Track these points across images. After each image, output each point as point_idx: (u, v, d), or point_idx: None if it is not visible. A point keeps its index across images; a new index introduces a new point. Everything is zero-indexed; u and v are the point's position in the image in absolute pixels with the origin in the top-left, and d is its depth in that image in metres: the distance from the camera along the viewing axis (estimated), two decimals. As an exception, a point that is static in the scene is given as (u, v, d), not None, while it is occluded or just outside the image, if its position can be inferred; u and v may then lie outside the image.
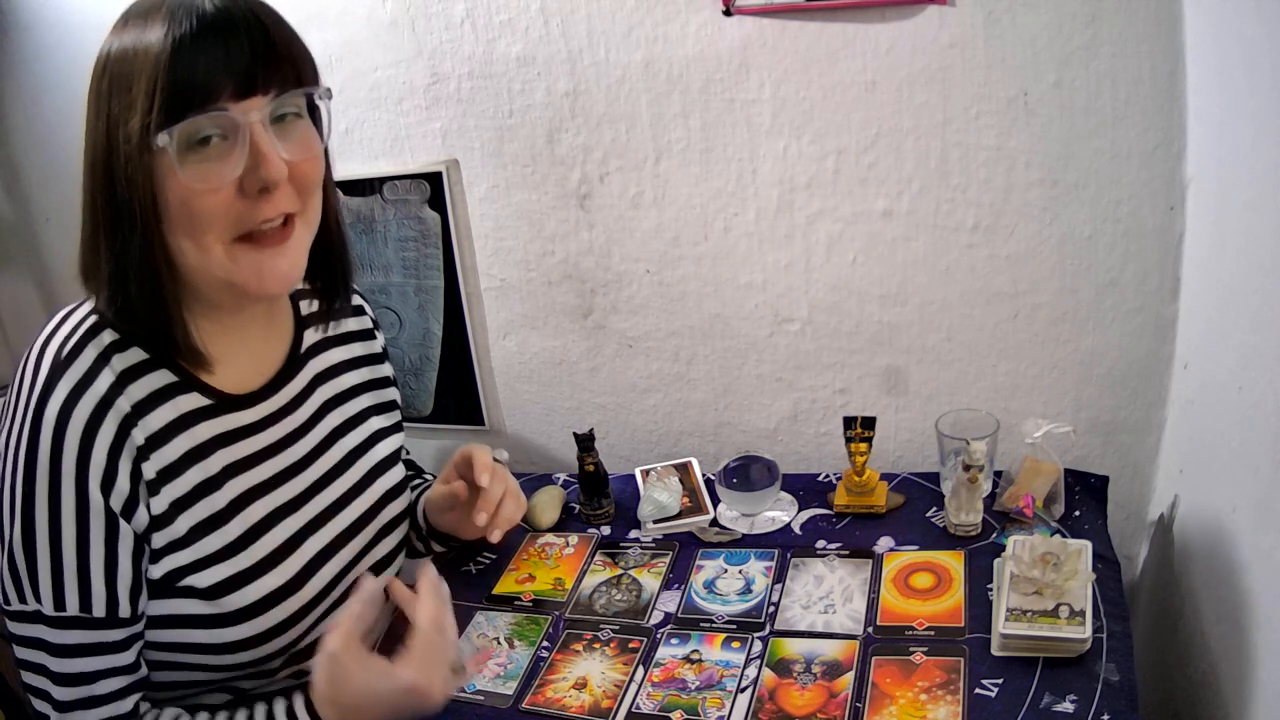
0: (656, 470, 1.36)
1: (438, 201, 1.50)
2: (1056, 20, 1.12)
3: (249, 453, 0.93)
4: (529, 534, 1.30)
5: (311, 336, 1.05)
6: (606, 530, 1.30)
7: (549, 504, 1.33)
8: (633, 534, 1.28)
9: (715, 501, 1.30)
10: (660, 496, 1.28)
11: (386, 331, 1.63)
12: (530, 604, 1.16)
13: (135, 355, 0.86)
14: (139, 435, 0.84)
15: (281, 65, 0.82)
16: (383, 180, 1.52)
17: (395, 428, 1.14)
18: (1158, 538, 1.25)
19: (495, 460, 1.13)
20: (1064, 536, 1.06)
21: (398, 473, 1.12)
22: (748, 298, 1.41)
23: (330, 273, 1.01)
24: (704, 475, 1.37)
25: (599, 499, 1.30)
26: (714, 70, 1.28)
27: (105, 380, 0.83)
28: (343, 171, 1.54)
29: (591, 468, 1.30)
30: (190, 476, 0.88)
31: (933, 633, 1.00)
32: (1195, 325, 1.16)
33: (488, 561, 1.26)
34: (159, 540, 0.86)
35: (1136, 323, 1.24)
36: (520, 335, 1.58)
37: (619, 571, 1.20)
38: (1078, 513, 1.14)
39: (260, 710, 0.91)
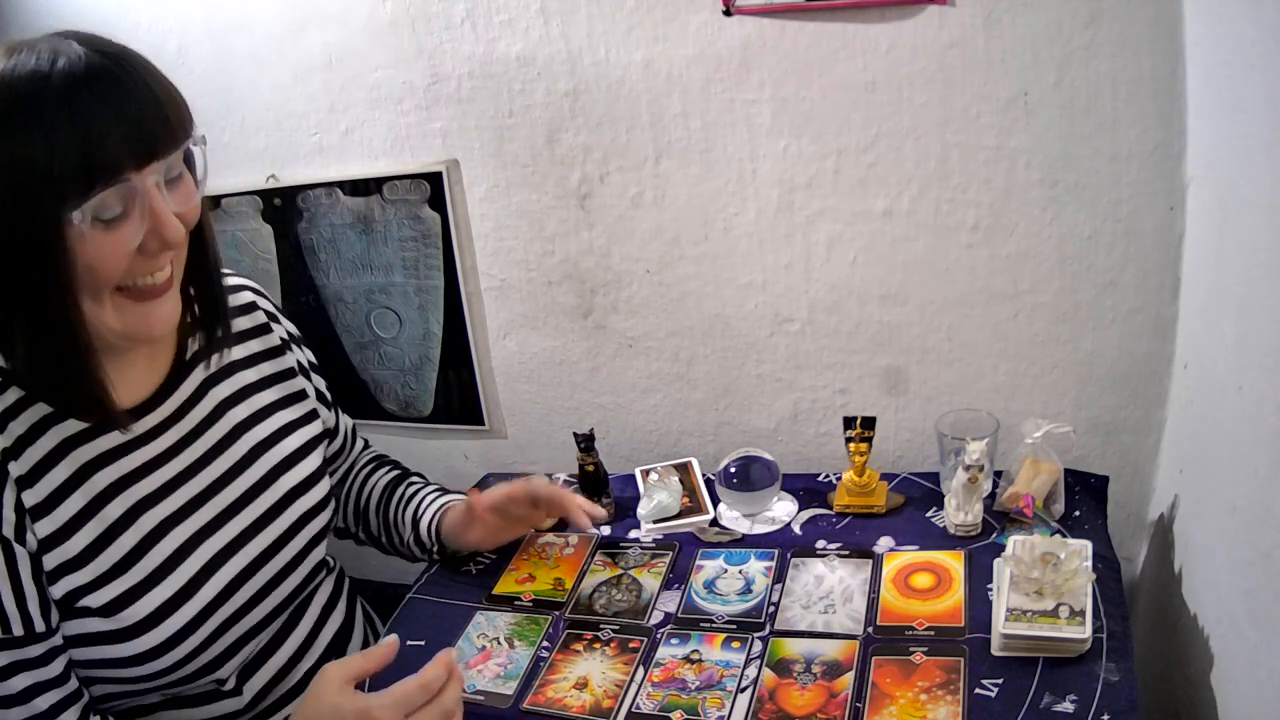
0: (656, 470, 1.36)
1: (438, 201, 1.50)
2: (1056, 20, 1.12)
3: (134, 467, 0.95)
4: (529, 534, 1.30)
5: (195, 343, 1.04)
6: (606, 530, 1.30)
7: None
8: (633, 534, 1.28)
9: (715, 501, 1.30)
10: (660, 496, 1.28)
11: (386, 331, 1.64)
12: (530, 604, 1.16)
13: (13, 395, 0.89)
14: (16, 469, 0.87)
15: (170, 124, 0.84)
16: (383, 180, 1.52)
17: (308, 418, 1.13)
18: (1158, 538, 1.25)
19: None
20: (1064, 536, 1.06)
21: (310, 464, 1.11)
22: (748, 298, 1.41)
23: (208, 307, 1.01)
24: (704, 475, 1.37)
25: (599, 499, 1.30)
26: (714, 70, 1.28)
27: None
28: (343, 171, 1.54)
29: (591, 468, 1.30)
30: (75, 500, 0.90)
31: (933, 633, 1.00)
32: (1195, 325, 1.16)
33: (488, 561, 1.26)
34: (50, 562, 0.88)
35: (1136, 323, 1.24)
36: (520, 335, 1.58)
37: (619, 571, 1.20)
38: (1078, 513, 1.14)
39: None
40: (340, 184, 1.55)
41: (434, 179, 1.49)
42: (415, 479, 1.29)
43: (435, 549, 1.22)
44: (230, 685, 1.02)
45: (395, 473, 1.29)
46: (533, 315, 1.55)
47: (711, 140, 1.33)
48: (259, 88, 1.52)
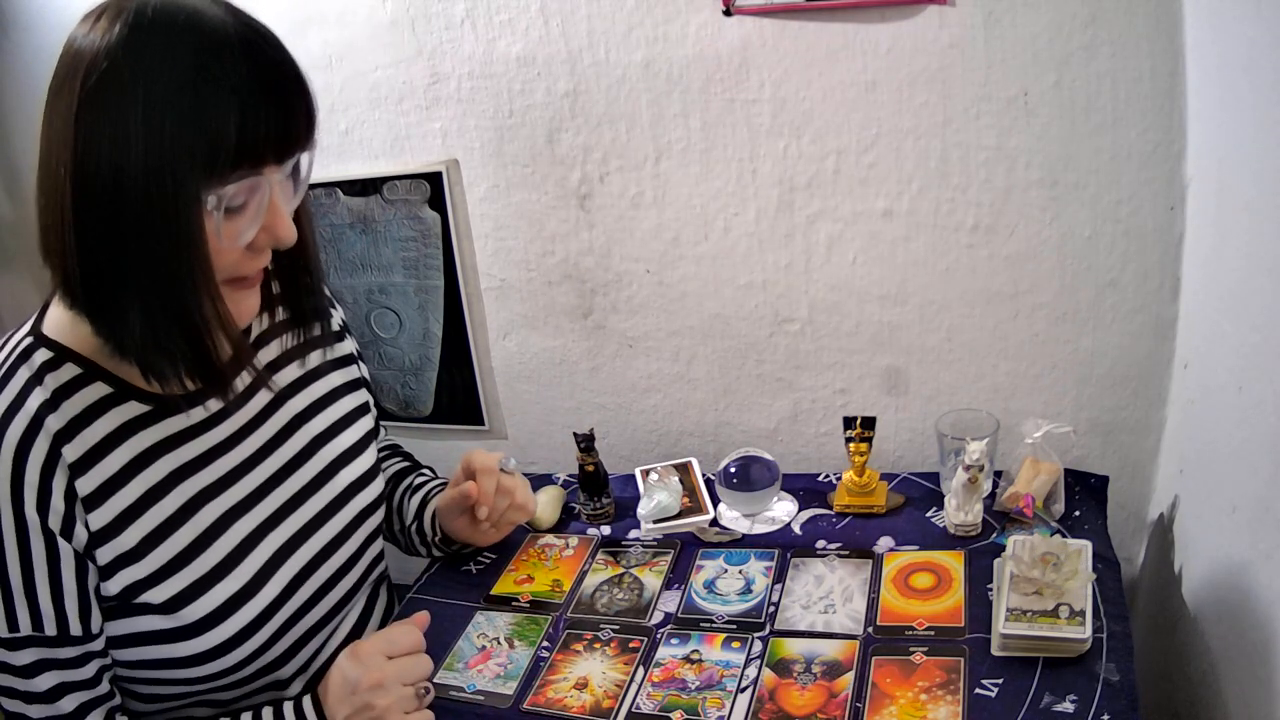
0: (656, 470, 1.36)
1: (438, 201, 1.50)
2: (1056, 20, 1.12)
3: (196, 454, 0.91)
4: (529, 534, 1.30)
5: (259, 325, 1.01)
6: (606, 530, 1.30)
7: (549, 504, 1.33)
8: (633, 534, 1.28)
9: (715, 501, 1.30)
10: (660, 496, 1.28)
11: (386, 331, 1.64)
12: (527, 605, 1.16)
13: (69, 371, 0.85)
14: (70, 453, 0.83)
15: (311, 122, 0.81)
16: (383, 180, 1.52)
17: (364, 409, 1.11)
18: (1158, 538, 1.25)
19: (503, 469, 1.14)
20: (1064, 536, 1.06)
21: (368, 459, 1.09)
22: (748, 298, 1.41)
23: (303, 300, 0.99)
24: (704, 475, 1.37)
25: (599, 499, 1.30)
26: (714, 70, 1.28)
27: (36, 400, 0.82)
28: (343, 171, 1.54)
29: (591, 468, 1.30)
30: (134, 487, 0.87)
31: (933, 633, 1.00)
32: (1195, 325, 1.16)
33: (487, 561, 1.26)
34: (106, 555, 0.85)
35: (1136, 323, 1.24)
36: (520, 335, 1.58)
37: (621, 570, 1.20)
38: (1078, 513, 1.14)
39: (268, 713, 0.91)
40: (340, 184, 1.55)
41: (434, 179, 1.49)
42: (425, 470, 1.28)
43: (436, 538, 1.19)
44: (291, 687, 1.00)
45: (406, 463, 1.28)
46: (533, 315, 1.55)
47: (711, 140, 1.33)
48: (259, 88, 1.52)
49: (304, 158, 0.84)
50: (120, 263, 0.77)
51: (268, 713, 0.91)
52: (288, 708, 0.91)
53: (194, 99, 0.73)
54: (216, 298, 0.80)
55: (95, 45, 0.74)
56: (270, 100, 0.76)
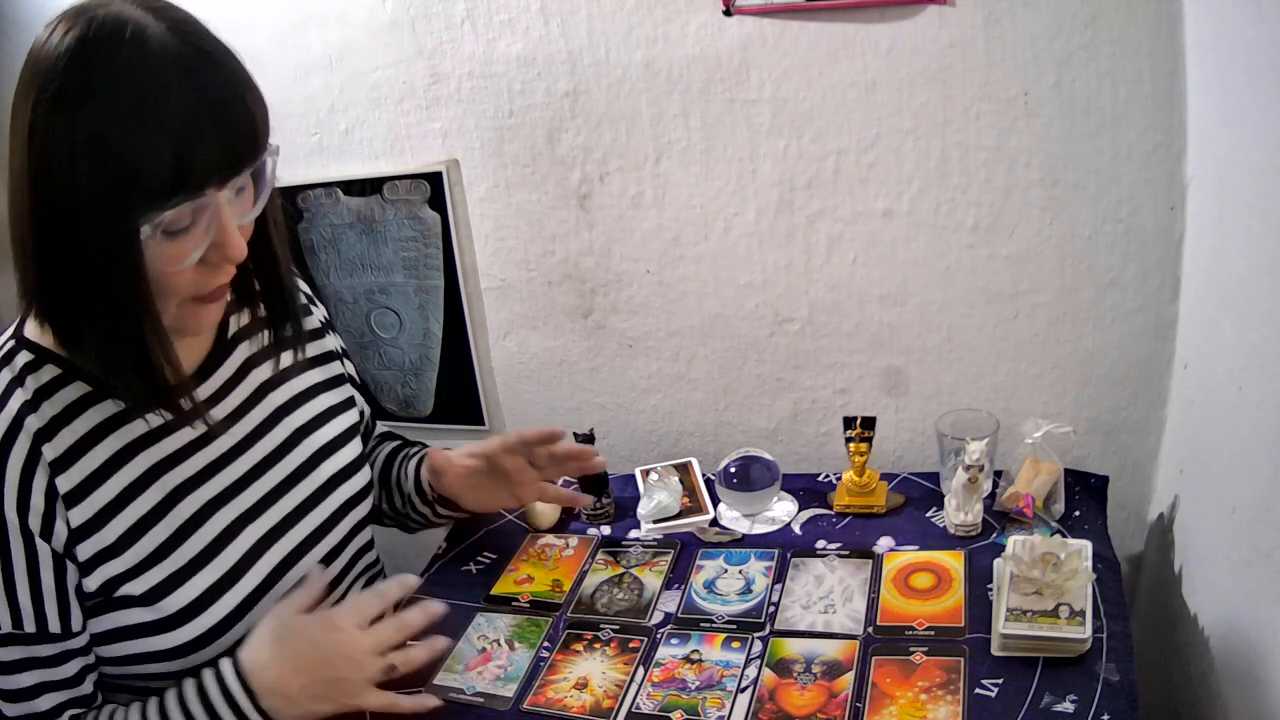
0: (656, 470, 1.36)
1: (438, 201, 1.50)
2: (1056, 20, 1.12)
3: (175, 449, 0.92)
4: (529, 534, 1.30)
5: (238, 321, 1.02)
6: (606, 530, 1.30)
7: (549, 504, 1.33)
8: (633, 534, 1.28)
9: (715, 501, 1.30)
10: (660, 496, 1.28)
11: (386, 331, 1.64)
12: (527, 605, 1.16)
13: (49, 372, 0.86)
14: (50, 451, 0.84)
15: (258, 134, 0.80)
16: (383, 180, 1.52)
17: (347, 404, 1.12)
18: (1158, 538, 1.25)
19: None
20: (1064, 536, 1.06)
21: (351, 450, 1.10)
22: (748, 298, 1.41)
23: (274, 304, 0.99)
24: (704, 475, 1.37)
25: (599, 499, 1.30)
26: (714, 70, 1.28)
27: (17, 401, 0.84)
28: (343, 171, 1.54)
29: (592, 468, 1.30)
30: (115, 483, 0.88)
31: (933, 633, 1.00)
32: (1195, 325, 1.16)
33: (487, 561, 1.26)
34: (86, 551, 0.86)
35: (1136, 323, 1.24)
36: (520, 335, 1.58)
37: (621, 570, 1.20)
38: (1078, 513, 1.14)
39: (189, 684, 0.89)
40: (340, 184, 1.55)
41: (434, 179, 1.49)
42: (419, 445, 1.28)
43: (435, 498, 1.19)
44: None
45: (399, 441, 1.29)
46: (533, 315, 1.55)
47: (711, 140, 1.33)
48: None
49: (267, 163, 0.84)
50: (70, 280, 0.78)
51: (189, 684, 0.89)
52: (207, 675, 0.89)
53: (129, 127, 0.73)
54: (157, 324, 0.80)
55: (49, 59, 0.75)
56: (208, 127, 0.75)
